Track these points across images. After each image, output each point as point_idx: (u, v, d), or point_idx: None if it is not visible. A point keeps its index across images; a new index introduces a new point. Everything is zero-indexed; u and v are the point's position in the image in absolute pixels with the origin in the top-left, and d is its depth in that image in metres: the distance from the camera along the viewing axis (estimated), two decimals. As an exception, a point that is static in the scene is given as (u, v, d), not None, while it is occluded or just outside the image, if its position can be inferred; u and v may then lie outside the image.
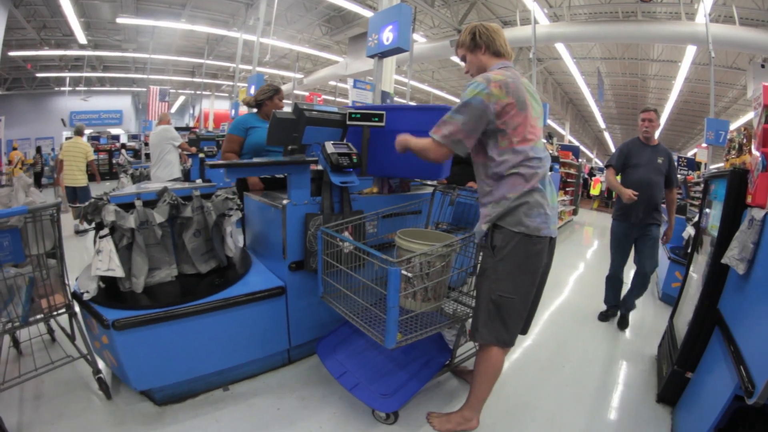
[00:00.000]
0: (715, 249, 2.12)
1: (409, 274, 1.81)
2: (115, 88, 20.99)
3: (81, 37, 12.45)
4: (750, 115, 13.07)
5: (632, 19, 9.31)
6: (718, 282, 2.08)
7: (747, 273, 1.74)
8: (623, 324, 3.44)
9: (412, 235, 2.05)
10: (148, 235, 2.09)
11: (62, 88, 18.99)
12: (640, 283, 3.30)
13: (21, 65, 16.05)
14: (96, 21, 12.79)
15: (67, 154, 6.20)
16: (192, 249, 2.22)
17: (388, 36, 3.57)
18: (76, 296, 2.00)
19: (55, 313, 1.99)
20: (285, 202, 2.17)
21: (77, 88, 19.17)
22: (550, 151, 9.62)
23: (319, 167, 2.31)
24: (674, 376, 2.24)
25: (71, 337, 2.24)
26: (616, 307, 3.58)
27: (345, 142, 2.38)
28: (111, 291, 2.01)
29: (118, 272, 1.94)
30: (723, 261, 1.91)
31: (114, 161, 15.27)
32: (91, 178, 6.50)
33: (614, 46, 12.12)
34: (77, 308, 2.07)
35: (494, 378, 1.82)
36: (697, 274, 2.63)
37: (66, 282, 2.04)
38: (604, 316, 3.58)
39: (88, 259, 2.20)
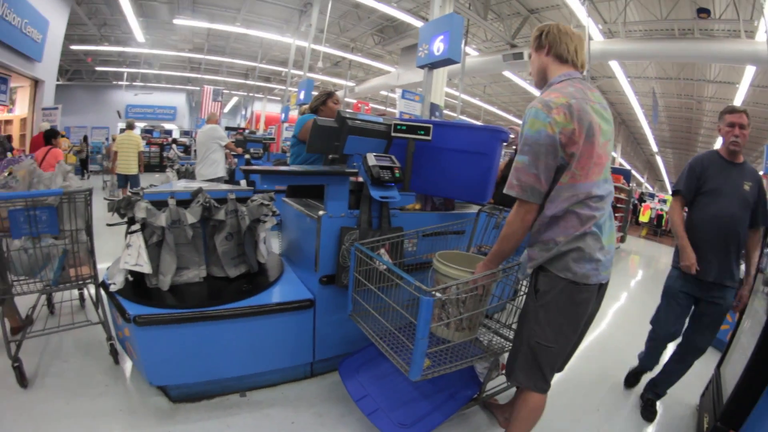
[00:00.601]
0: None
1: (444, 298, 1.67)
2: (170, 85, 21.90)
3: (139, 36, 13.06)
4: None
5: (689, 36, 8.82)
6: None
7: None
8: (648, 414, 2.46)
9: (451, 259, 1.90)
10: (179, 234, 2.06)
11: (120, 83, 20.02)
12: (686, 362, 2.44)
13: (81, 58, 16.91)
14: (154, 21, 13.32)
15: (122, 145, 7.00)
16: (222, 252, 2.18)
17: (438, 46, 3.48)
18: (104, 285, 2.02)
19: (81, 282, 2.26)
20: (321, 213, 2.09)
21: (134, 83, 20.15)
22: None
23: (360, 179, 2.22)
24: None
25: (96, 306, 2.35)
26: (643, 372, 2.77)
27: (388, 154, 2.28)
28: (138, 286, 2.00)
29: (146, 268, 1.94)
30: None
31: (165, 155, 15.92)
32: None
33: (670, 66, 11.53)
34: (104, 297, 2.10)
35: (533, 422, 1.65)
36: (751, 320, 2.35)
37: (94, 257, 2.28)
38: (633, 378, 2.77)
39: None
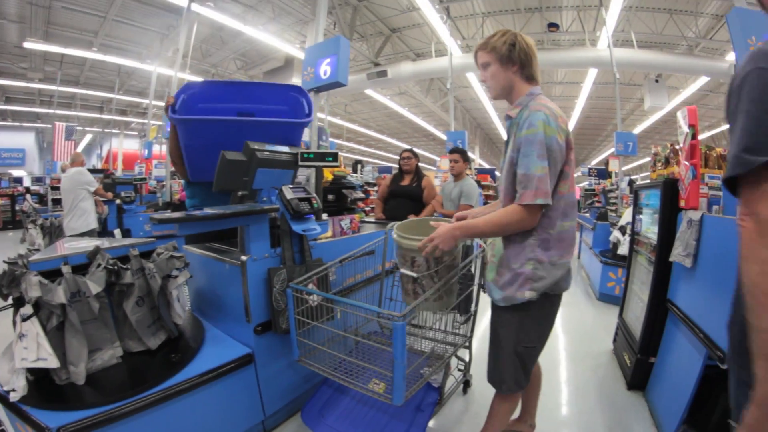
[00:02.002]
0: (658, 249, 2.50)
1: (415, 275, 1.68)
2: (17, 123, 18.93)
3: None
4: (646, 124, 14.87)
5: (539, 47, 10.02)
6: (665, 277, 2.43)
7: (693, 265, 2.07)
8: None
9: (409, 229, 1.89)
10: (83, 309, 1.71)
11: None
12: None
13: None
14: (1, 44, 11.50)
15: None
16: (137, 321, 1.89)
17: (325, 69, 3.48)
18: None
19: None
20: (244, 258, 1.95)
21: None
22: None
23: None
24: (639, 363, 2.55)
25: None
26: None
27: (300, 184, 2.24)
28: (44, 385, 1.61)
29: (52, 362, 1.56)
30: (671, 259, 2.29)
31: (17, 208, 13.63)
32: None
33: (522, 73, 13.02)
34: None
35: (509, 418, 1.77)
36: (637, 273, 3.05)
37: None
38: None
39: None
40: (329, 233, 2.63)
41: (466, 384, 2.62)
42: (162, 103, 12.45)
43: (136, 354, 1.90)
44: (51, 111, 15.52)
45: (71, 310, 1.67)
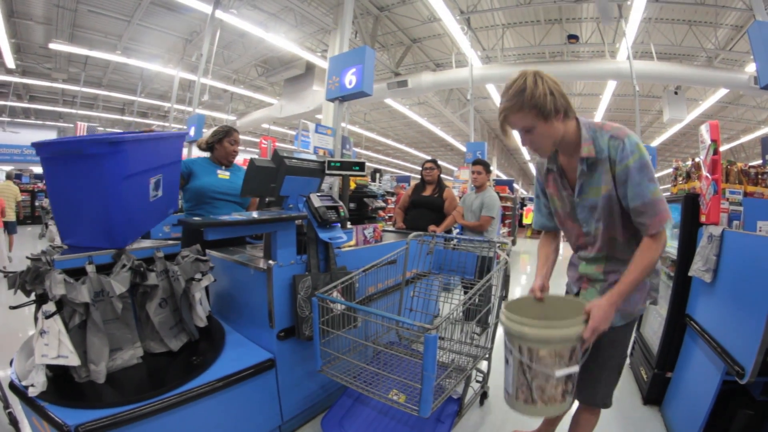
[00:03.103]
0: (678, 264, 2.50)
1: (577, 369, 1.29)
2: (40, 122, 19.30)
3: (9, 61, 11.38)
4: (665, 136, 14.71)
5: (558, 59, 10.04)
6: (684, 291, 2.44)
7: (713, 280, 2.07)
8: None
9: (520, 310, 1.36)
10: (106, 309, 1.69)
11: (-18, 116, 17.17)
12: None
13: None
14: (27, 44, 11.73)
15: (5, 194, 7.23)
16: (159, 322, 1.87)
17: (351, 79, 3.50)
18: (17, 389, 1.57)
19: None
20: (271, 263, 1.94)
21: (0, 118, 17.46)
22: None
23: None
24: (656, 378, 2.55)
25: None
26: None
27: (327, 193, 2.24)
28: (63, 382, 1.59)
29: (72, 360, 1.54)
30: (690, 273, 2.28)
31: (36, 203, 13.95)
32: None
33: (540, 85, 12.97)
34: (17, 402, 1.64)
35: None
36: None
37: None
38: None
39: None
40: (352, 242, 2.62)
41: (484, 395, 2.59)
42: (183, 107, 12.61)
43: (157, 355, 1.88)
44: (74, 111, 15.90)
45: (94, 309, 1.65)
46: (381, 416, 2.02)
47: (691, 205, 2.46)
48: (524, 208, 16.00)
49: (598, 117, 13.57)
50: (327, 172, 2.31)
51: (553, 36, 9.36)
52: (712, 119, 2.35)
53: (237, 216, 1.91)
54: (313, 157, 2.30)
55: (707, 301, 2.17)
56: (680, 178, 2.93)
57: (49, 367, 1.58)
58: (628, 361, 3.17)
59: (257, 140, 17.87)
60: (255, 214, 2.01)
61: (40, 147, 1.71)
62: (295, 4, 7.94)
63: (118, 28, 10.65)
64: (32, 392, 1.51)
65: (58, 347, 1.54)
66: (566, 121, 1.36)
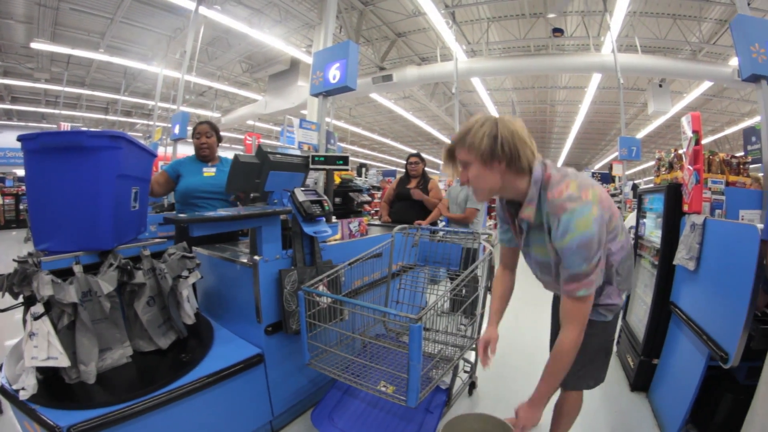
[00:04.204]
0: (661, 253, 2.55)
1: None
2: (23, 123, 18.97)
3: None
4: (650, 128, 14.89)
5: (543, 52, 10.13)
6: (668, 279, 2.49)
7: (696, 268, 2.11)
8: None
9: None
10: (94, 309, 1.70)
11: (-38, 119, 16.86)
12: None
13: None
14: (8, 44, 11.51)
15: None
16: (147, 321, 1.88)
17: (334, 74, 3.49)
18: (7, 394, 1.57)
19: None
20: (256, 258, 1.96)
21: (-20, 120, 17.17)
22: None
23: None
24: (642, 365, 2.61)
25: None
26: None
27: (312, 187, 2.25)
28: (54, 384, 1.60)
29: (62, 361, 1.55)
30: (675, 262, 2.34)
31: (21, 207, 13.76)
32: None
33: (526, 77, 12.95)
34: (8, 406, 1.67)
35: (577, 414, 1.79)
36: (641, 276, 3.10)
37: None
38: None
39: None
40: (338, 235, 2.64)
41: (472, 385, 2.64)
42: (168, 105, 12.43)
43: (147, 354, 1.90)
44: (57, 111, 15.62)
45: (83, 310, 1.66)
46: (370, 408, 2.05)
47: (673, 194, 2.51)
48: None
49: (582, 109, 13.61)
50: (311, 166, 2.33)
51: (538, 29, 9.41)
52: (696, 111, 2.40)
53: (222, 212, 1.93)
54: (297, 152, 2.31)
55: (691, 289, 2.23)
56: (663, 169, 2.99)
57: (39, 369, 1.58)
58: (615, 348, 3.24)
59: (242, 137, 17.76)
60: (241, 210, 2.02)
61: (30, 139, 1.69)
62: (278, -1, 7.88)
63: (100, 26, 10.48)
64: (23, 395, 1.50)
65: (47, 349, 1.54)
66: (515, 173, 1.29)
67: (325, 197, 2.18)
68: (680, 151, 2.65)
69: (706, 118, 14.13)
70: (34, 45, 10.10)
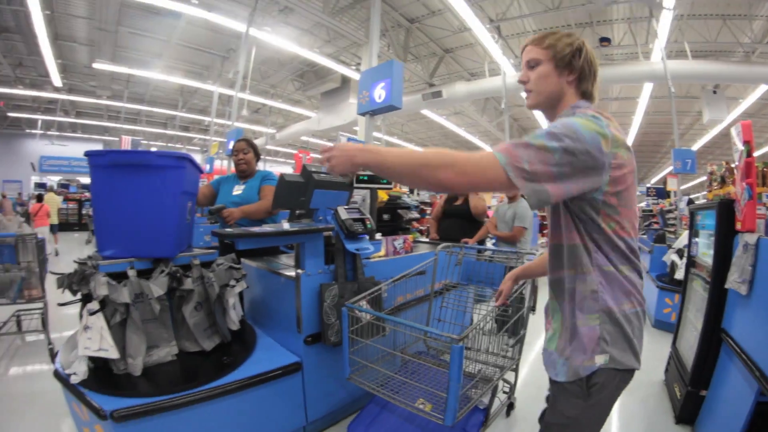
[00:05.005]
0: (713, 275, 2.35)
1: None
2: (86, 135, 20.52)
3: (56, 80, 12.20)
4: (706, 138, 13.98)
5: (593, 63, 9.84)
6: (720, 304, 2.29)
7: (749, 293, 1.93)
8: None
9: None
10: (144, 309, 1.86)
11: (33, 131, 18.49)
12: None
13: None
14: (72, 64, 12.58)
15: (49, 202, 9.87)
16: (194, 324, 2.01)
17: (380, 93, 3.53)
18: (60, 377, 1.75)
19: (33, 299, 3.40)
20: (300, 272, 2.03)
21: (48, 132, 18.68)
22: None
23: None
24: (689, 396, 2.40)
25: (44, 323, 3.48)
26: None
27: (356, 204, 2.29)
28: (103, 373, 1.76)
29: (112, 353, 1.71)
30: (727, 286, 2.14)
31: (84, 212, 14.81)
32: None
33: (577, 90, 12.66)
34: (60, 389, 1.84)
35: None
36: (692, 299, 2.87)
37: (43, 284, 3.44)
38: None
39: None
40: (382, 252, 2.66)
41: (510, 407, 2.58)
42: (224, 121, 13.06)
43: (191, 354, 2.02)
44: (118, 125, 16.77)
45: (134, 309, 1.81)
46: (407, 424, 2.03)
47: (726, 211, 2.30)
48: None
49: (636, 120, 13.04)
50: (355, 185, 2.37)
51: (585, 40, 9.18)
52: (754, 118, 2.23)
53: (267, 227, 2.02)
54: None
55: (743, 315, 2.04)
56: (715, 183, 2.80)
57: (90, 358, 1.75)
58: (662, 377, 3.06)
59: (294, 152, 18.38)
60: (285, 226, 2.11)
61: (99, 155, 1.85)
62: (326, 19, 8.13)
63: (157, 47, 11.22)
64: (74, 380, 1.67)
65: (99, 341, 1.71)
66: (575, 92, 1.17)
67: (368, 215, 2.22)
68: (732, 165, 2.47)
69: (765, 125, 13.11)
70: (96, 65, 11.00)
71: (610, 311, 1.08)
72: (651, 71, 8.60)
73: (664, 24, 7.26)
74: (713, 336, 2.31)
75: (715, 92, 8.97)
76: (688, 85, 10.75)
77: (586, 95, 1.18)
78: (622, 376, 1.11)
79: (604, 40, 8.71)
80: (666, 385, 2.98)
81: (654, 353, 3.56)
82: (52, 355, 2.38)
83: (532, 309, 2.31)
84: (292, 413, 2.07)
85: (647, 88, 10.23)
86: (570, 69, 1.16)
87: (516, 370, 2.44)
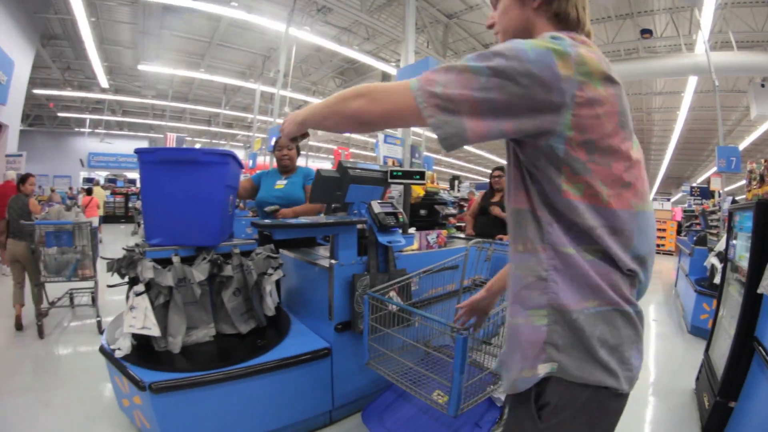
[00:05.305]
0: (747, 279, 2.17)
1: None
2: (133, 133, 21.57)
3: (103, 81, 12.92)
4: (755, 135, 13.20)
5: (635, 56, 9.47)
6: (753, 311, 2.13)
7: None
8: None
9: None
10: (186, 293, 2.02)
11: (82, 129, 19.62)
12: None
13: (44, 103, 16.60)
14: (118, 66, 13.31)
15: (97, 196, 10.33)
16: (232, 308, 2.15)
17: (417, 91, 3.59)
18: (105, 352, 1.93)
19: (86, 278, 3.81)
20: (333, 262, 2.12)
21: (96, 130, 19.77)
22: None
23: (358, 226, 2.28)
24: (717, 407, 2.24)
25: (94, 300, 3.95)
26: None
27: (392, 199, 2.36)
28: (145, 349, 1.92)
29: (154, 331, 1.87)
30: (759, 291, 1.98)
31: (130, 205, 15.60)
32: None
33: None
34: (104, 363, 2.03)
35: None
36: (728, 304, 2.70)
37: (95, 264, 3.85)
38: None
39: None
40: (415, 245, 2.72)
41: None
42: (266, 118, 13.48)
43: (228, 336, 2.17)
44: (163, 123, 17.53)
45: (176, 292, 1.97)
46: (421, 414, 2.07)
47: (763, 212, 2.14)
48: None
49: (681, 116, 12.32)
50: (389, 180, 2.44)
51: (627, 32, 8.88)
52: None
53: (303, 219, 2.12)
54: (377, 167, 2.44)
55: None
56: (754, 182, 2.65)
57: (134, 336, 1.92)
58: (693, 386, 2.93)
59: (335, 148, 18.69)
60: (322, 218, 2.21)
61: (148, 152, 2.01)
62: (364, 18, 8.22)
63: (199, 48, 11.68)
64: (118, 354, 1.85)
65: (143, 320, 1.87)
66: (546, 19, 0.89)
67: (400, 209, 2.27)
68: None
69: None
70: (140, 67, 11.62)
71: (562, 309, 0.78)
72: (694, 64, 8.25)
73: (707, 13, 6.90)
74: (745, 345, 2.16)
75: (763, 86, 8.39)
76: (734, 78, 10.22)
77: (563, 19, 0.88)
78: (592, 396, 0.79)
79: (646, 32, 8.40)
80: (696, 394, 2.85)
81: (687, 360, 3.45)
82: (100, 327, 3.51)
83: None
84: (320, 397, 2.16)
85: (692, 81, 9.74)
86: None
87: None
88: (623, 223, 0.78)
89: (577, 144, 0.73)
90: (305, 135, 1.13)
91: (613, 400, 0.80)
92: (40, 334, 3.47)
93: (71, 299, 4.31)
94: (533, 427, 0.82)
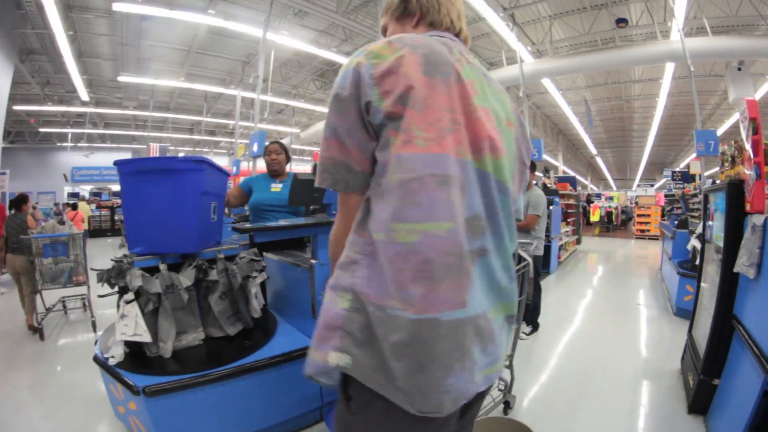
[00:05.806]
0: (723, 258, 2.26)
1: None
2: (115, 145, 21.35)
3: (83, 94, 12.85)
4: (734, 119, 13.43)
5: (611, 45, 9.60)
6: (731, 289, 2.20)
7: (757, 277, 1.86)
8: None
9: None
10: (174, 299, 2.07)
11: (64, 144, 19.37)
12: None
13: (24, 119, 16.38)
14: (98, 78, 13.18)
15: (82, 210, 10.14)
16: (219, 312, 2.21)
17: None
18: (99, 361, 1.98)
19: (80, 284, 4.29)
20: (313, 262, 2.17)
21: (79, 144, 19.51)
22: (549, 185, 9.59)
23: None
24: (701, 385, 2.31)
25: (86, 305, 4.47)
26: None
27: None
28: (137, 356, 1.98)
29: (146, 337, 1.93)
30: (735, 269, 2.05)
31: (116, 218, 15.47)
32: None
33: (598, 74, 12.31)
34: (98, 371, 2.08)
35: None
36: (707, 284, 2.78)
37: (87, 271, 4.30)
38: None
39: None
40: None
41: (507, 405, 2.49)
42: (249, 123, 13.49)
43: (216, 338, 2.22)
44: (145, 133, 17.39)
45: (165, 299, 2.02)
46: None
47: (735, 192, 2.20)
48: (591, 204, 15.44)
49: (660, 103, 12.52)
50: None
51: (602, 22, 8.99)
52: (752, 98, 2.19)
53: (282, 222, 2.17)
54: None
55: (752, 301, 1.96)
56: (726, 164, 2.72)
57: (126, 343, 1.97)
58: (679, 366, 2.99)
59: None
60: (301, 220, 2.25)
61: (126, 164, 2.06)
62: (340, 20, 8.26)
63: (178, 57, 11.62)
64: (112, 362, 1.91)
65: (134, 327, 1.92)
66: (426, 29, 0.95)
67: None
68: (741, 144, 2.39)
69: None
70: (120, 78, 11.54)
71: (365, 299, 0.72)
72: (670, 51, 8.40)
73: (680, 0, 7.05)
74: (725, 323, 2.22)
75: (740, 69, 8.58)
76: (712, 63, 10.37)
77: (438, 25, 0.94)
78: (385, 410, 0.71)
79: (621, 21, 8.54)
80: (681, 374, 2.92)
81: (672, 341, 3.54)
82: (94, 327, 4.06)
83: (529, 302, 2.27)
84: (309, 393, 2.22)
85: (669, 68, 9.95)
86: (407, 15, 0.96)
87: (510, 367, 2.46)
88: (463, 168, 0.78)
89: (391, 105, 0.74)
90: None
91: (416, 423, 0.71)
92: (41, 336, 3.83)
93: (64, 305, 4.67)
94: (346, 413, 0.78)
